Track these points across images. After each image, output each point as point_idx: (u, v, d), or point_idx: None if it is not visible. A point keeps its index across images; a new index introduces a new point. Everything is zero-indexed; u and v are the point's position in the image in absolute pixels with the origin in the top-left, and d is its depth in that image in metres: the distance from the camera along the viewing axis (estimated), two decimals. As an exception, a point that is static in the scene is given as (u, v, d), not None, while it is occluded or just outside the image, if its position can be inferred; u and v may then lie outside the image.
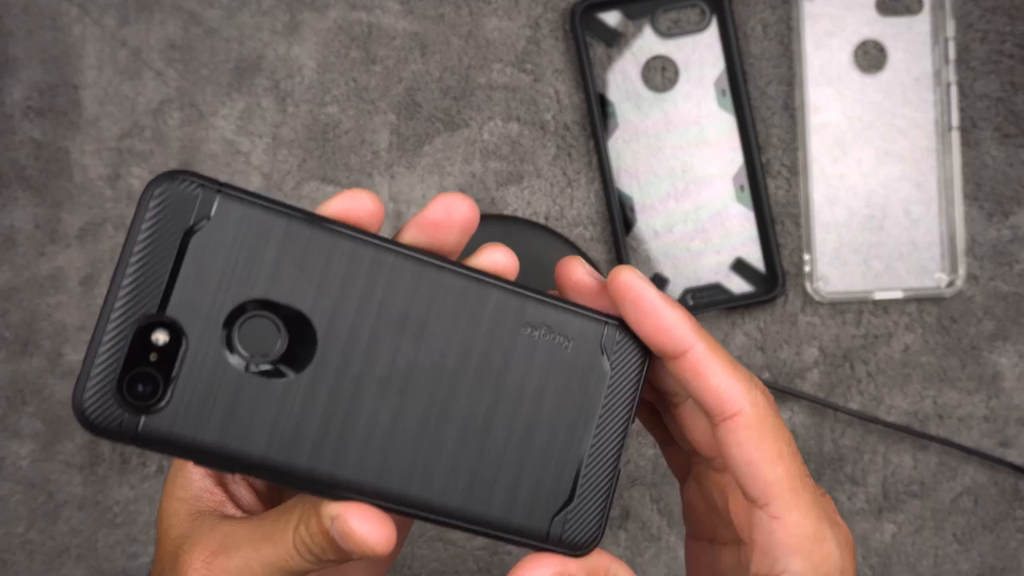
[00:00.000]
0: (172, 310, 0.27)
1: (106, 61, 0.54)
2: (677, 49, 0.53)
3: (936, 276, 0.52)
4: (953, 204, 0.52)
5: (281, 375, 0.27)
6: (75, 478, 0.53)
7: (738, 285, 0.53)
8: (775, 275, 0.52)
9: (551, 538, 0.30)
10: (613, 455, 0.31)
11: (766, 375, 0.53)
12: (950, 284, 0.52)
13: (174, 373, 0.27)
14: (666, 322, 0.30)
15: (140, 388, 0.26)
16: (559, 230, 0.53)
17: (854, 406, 0.53)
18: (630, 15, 0.53)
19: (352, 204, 0.29)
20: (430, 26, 0.54)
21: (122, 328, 0.26)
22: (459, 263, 0.30)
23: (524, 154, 0.53)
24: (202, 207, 0.27)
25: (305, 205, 0.53)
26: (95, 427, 0.26)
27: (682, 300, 0.53)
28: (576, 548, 0.30)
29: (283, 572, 0.30)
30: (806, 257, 0.53)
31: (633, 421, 0.31)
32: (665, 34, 0.53)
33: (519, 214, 0.53)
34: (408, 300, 0.29)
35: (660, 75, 0.53)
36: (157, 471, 0.53)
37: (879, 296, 0.52)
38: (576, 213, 0.53)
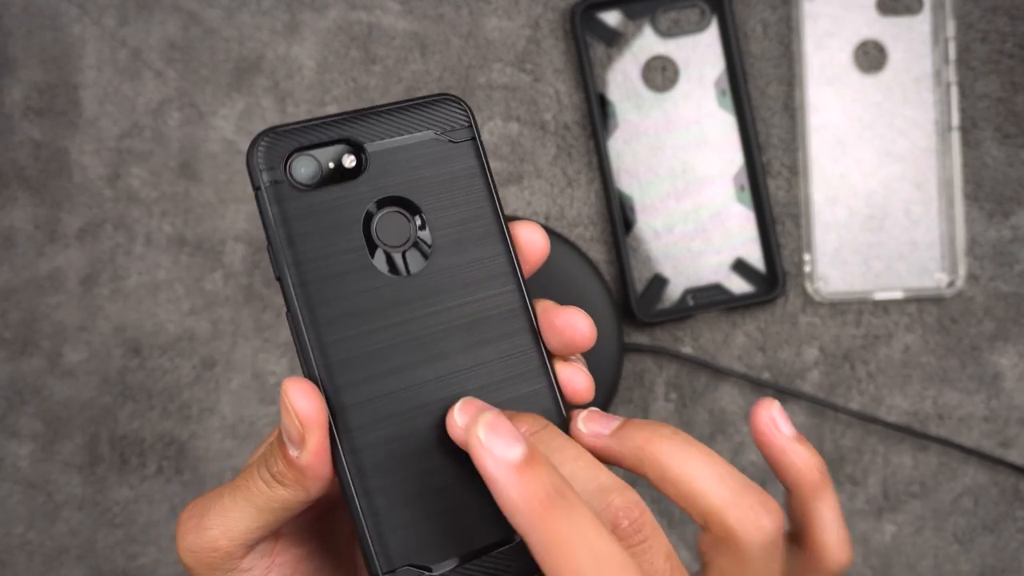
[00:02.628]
0: (373, 155, 0.31)
1: (106, 61, 0.54)
2: (677, 49, 0.53)
3: (936, 276, 0.52)
4: (953, 204, 0.52)
5: (374, 261, 0.30)
6: (74, 478, 0.53)
7: (738, 285, 0.53)
8: (775, 275, 0.52)
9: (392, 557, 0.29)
10: None
11: (766, 375, 0.53)
12: (950, 284, 0.52)
13: (330, 184, 0.30)
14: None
15: (303, 170, 0.30)
16: (559, 230, 0.53)
17: (854, 406, 0.53)
18: (630, 15, 0.53)
19: (527, 232, 0.32)
20: (430, 26, 0.54)
21: (338, 128, 0.30)
22: (546, 348, 0.32)
23: (524, 154, 0.53)
24: (455, 132, 0.32)
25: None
26: (254, 156, 0.30)
27: (682, 300, 0.53)
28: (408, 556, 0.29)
29: (253, 506, 0.31)
30: (806, 257, 0.52)
31: None
32: (665, 34, 0.53)
33: (519, 214, 0.53)
34: (494, 314, 0.31)
35: (660, 75, 0.53)
36: (156, 472, 0.53)
37: (879, 296, 0.52)
38: (576, 213, 0.53)
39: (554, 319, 0.32)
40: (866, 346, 0.53)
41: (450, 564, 0.29)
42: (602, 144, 0.52)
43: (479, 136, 0.32)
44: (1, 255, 0.53)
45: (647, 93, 0.53)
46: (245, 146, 0.53)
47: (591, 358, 0.50)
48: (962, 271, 0.52)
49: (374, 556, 0.29)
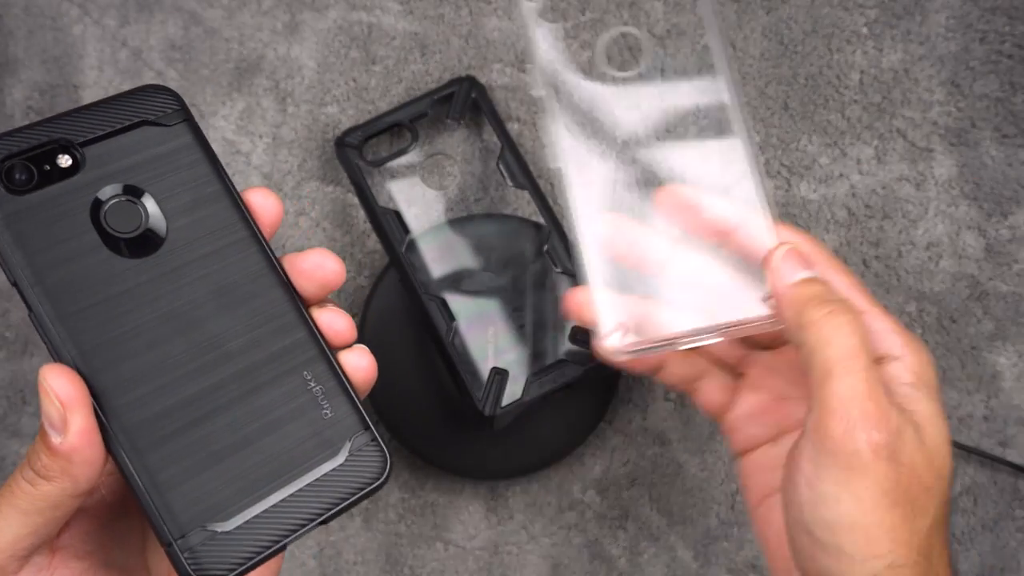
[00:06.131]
0: (88, 150, 0.31)
1: (107, 61, 0.54)
2: (451, 144, 0.52)
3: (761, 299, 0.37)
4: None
5: (110, 249, 0.31)
6: (75, 478, 0.53)
7: (583, 356, 0.48)
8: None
9: (182, 542, 0.29)
10: (293, 527, 0.30)
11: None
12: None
13: (49, 184, 0.30)
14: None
15: (17, 176, 0.30)
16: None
17: (854, 406, 0.53)
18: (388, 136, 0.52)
19: (259, 198, 0.33)
20: (430, 26, 0.54)
21: (46, 132, 0.31)
22: (301, 297, 0.33)
23: (524, 154, 0.54)
24: (167, 117, 0.32)
25: (303, 206, 0.54)
26: None
27: (529, 388, 0.47)
28: (198, 571, 0.29)
29: (17, 511, 0.30)
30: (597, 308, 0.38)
31: (329, 520, 0.31)
32: (429, 139, 0.52)
33: (519, 214, 0.53)
34: (241, 278, 0.32)
35: (438, 176, 0.53)
36: (157, 471, 0.53)
37: (688, 344, 0.37)
38: (576, 213, 0.54)
39: (301, 264, 0.33)
40: (865, 346, 0.53)
41: (238, 520, 0.30)
42: (401, 256, 0.49)
43: (192, 118, 0.33)
44: (2, 255, 0.53)
45: (430, 192, 0.52)
46: (246, 146, 0.54)
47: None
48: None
49: (163, 526, 0.29)
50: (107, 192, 0.31)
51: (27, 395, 0.53)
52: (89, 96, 0.54)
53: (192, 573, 0.29)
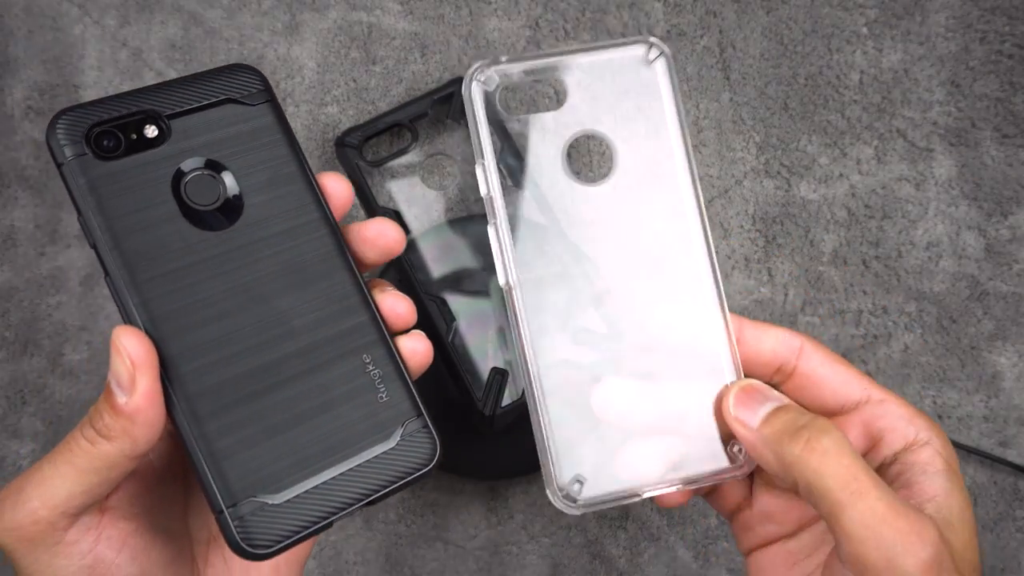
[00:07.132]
0: (175, 123, 0.32)
1: (107, 61, 0.54)
2: (451, 146, 0.53)
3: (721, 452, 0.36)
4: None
5: (188, 220, 0.32)
6: (75, 478, 0.53)
7: None
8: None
9: (233, 511, 0.30)
10: (340, 506, 0.31)
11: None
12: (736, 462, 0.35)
13: (134, 153, 0.31)
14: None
15: (105, 142, 0.31)
16: (559, 230, 0.53)
17: (854, 406, 0.53)
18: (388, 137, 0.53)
19: (332, 182, 0.34)
20: (430, 26, 0.54)
21: (136, 102, 0.32)
22: (368, 285, 0.34)
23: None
24: (251, 96, 0.33)
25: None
26: (54, 133, 0.31)
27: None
28: (246, 540, 0.30)
29: (74, 468, 0.30)
30: (550, 454, 0.34)
31: (376, 502, 0.32)
32: (427, 143, 0.52)
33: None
34: (310, 258, 0.33)
35: (438, 177, 0.53)
36: (157, 471, 0.53)
37: (649, 493, 0.35)
38: (576, 213, 0.54)
39: (365, 233, 0.34)
40: (865, 346, 0.53)
41: (288, 494, 0.30)
42: (401, 256, 0.49)
43: (275, 99, 0.33)
44: (2, 255, 0.53)
45: (430, 192, 0.52)
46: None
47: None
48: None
49: (216, 493, 0.30)
50: (189, 164, 0.32)
51: (27, 395, 0.53)
52: (89, 96, 0.54)
53: (240, 541, 0.30)
